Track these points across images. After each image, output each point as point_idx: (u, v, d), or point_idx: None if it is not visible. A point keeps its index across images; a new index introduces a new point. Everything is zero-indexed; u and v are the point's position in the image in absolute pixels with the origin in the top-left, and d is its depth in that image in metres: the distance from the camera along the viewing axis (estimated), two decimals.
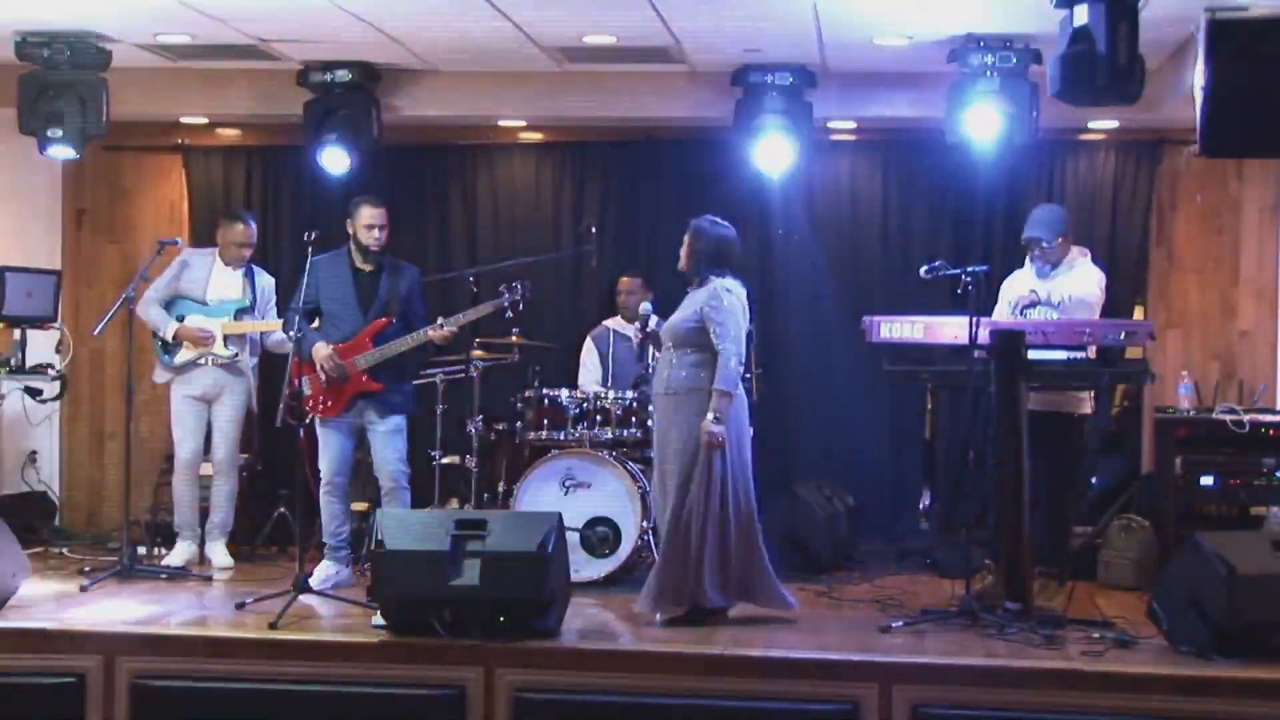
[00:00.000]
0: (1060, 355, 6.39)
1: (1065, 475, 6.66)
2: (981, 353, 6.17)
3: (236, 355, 7.55)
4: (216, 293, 7.61)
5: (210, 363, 7.51)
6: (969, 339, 6.11)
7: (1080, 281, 6.78)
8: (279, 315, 7.61)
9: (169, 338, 7.49)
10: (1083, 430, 6.88)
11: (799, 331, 8.63)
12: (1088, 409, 6.84)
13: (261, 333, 7.69)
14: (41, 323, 8.17)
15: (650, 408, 6.62)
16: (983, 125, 7.25)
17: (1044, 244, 6.82)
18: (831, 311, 8.51)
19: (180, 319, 7.53)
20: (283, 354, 7.28)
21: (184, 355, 7.51)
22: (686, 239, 6.33)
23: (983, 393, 6.42)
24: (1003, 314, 6.92)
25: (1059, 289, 6.82)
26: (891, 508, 8.55)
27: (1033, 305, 6.77)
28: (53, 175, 8.86)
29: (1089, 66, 5.98)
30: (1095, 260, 7.04)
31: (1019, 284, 6.98)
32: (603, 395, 7.41)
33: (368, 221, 6.96)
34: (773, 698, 5.34)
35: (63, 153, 7.76)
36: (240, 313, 7.60)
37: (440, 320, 6.95)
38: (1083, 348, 6.33)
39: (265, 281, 7.79)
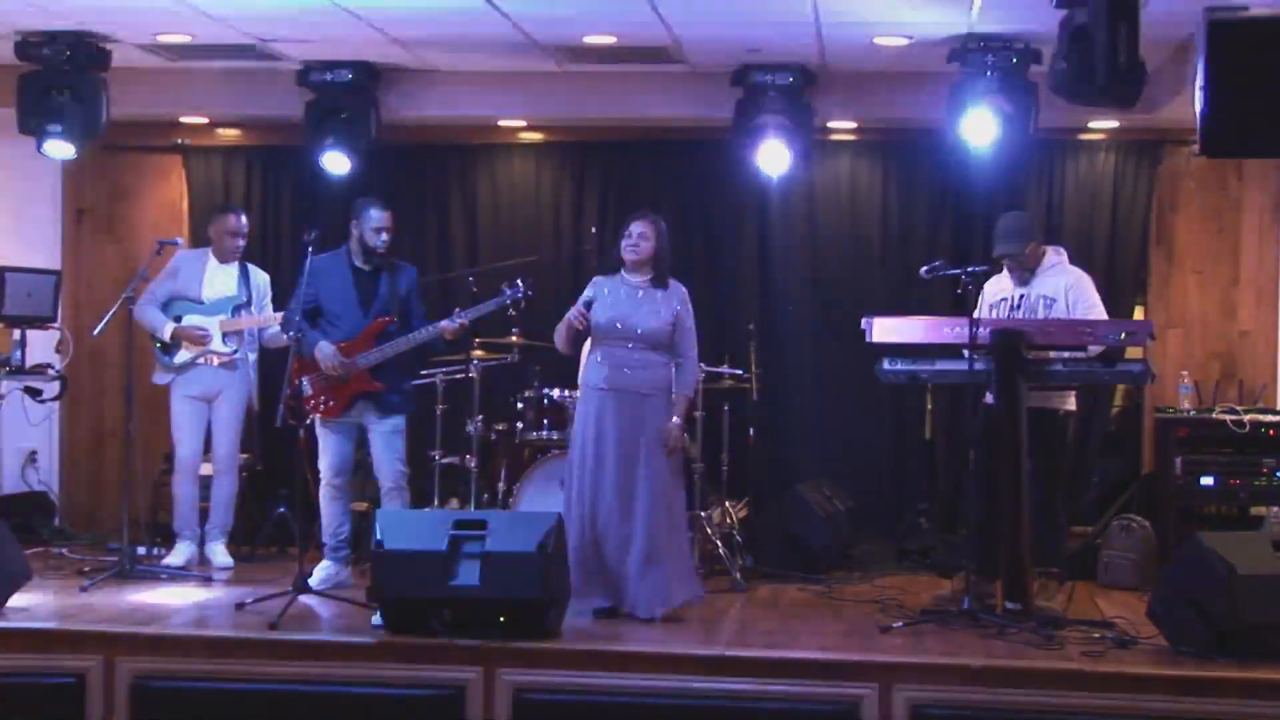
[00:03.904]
0: (1060, 355, 6.39)
1: (1051, 471, 6.62)
2: (981, 353, 6.17)
3: (235, 351, 7.55)
4: (212, 291, 7.62)
5: (209, 361, 7.52)
6: (969, 339, 6.11)
7: (1088, 307, 6.71)
8: (275, 312, 7.63)
9: (166, 339, 7.50)
10: (1067, 427, 6.87)
11: (799, 332, 8.62)
12: (1071, 405, 6.82)
13: (259, 329, 7.70)
14: (41, 323, 8.16)
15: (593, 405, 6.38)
16: (982, 126, 7.25)
17: (1020, 255, 6.77)
18: (831, 312, 8.51)
19: (178, 319, 7.53)
20: (280, 350, 7.29)
21: (183, 355, 7.52)
22: (654, 238, 6.36)
23: (982, 393, 6.42)
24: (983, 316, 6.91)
25: (1037, 291, 6.78)
26: (891, 508, 8.54)
27: (1014, 310, 6.74)
28: (53, 175, 8.85)
29: (1089, 67, 5.99)
30: (1073, 260, 7.00)
31: (998, 289, 6.94)
32: None
33: (376, 224, 6.96)
34: (773, 698, 5.34)
35: (62, 152, 7.77)
36: (237, 309, 7.61)
37: (456, 311, 6.94)
38: (1083, 348, 6.33)
39: (260, 278, 7.80)
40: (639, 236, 6.35)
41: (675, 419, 6.25)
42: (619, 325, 6.27)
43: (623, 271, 6.39)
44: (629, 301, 6.31)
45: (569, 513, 6.22)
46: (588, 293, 6.41)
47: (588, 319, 6.27)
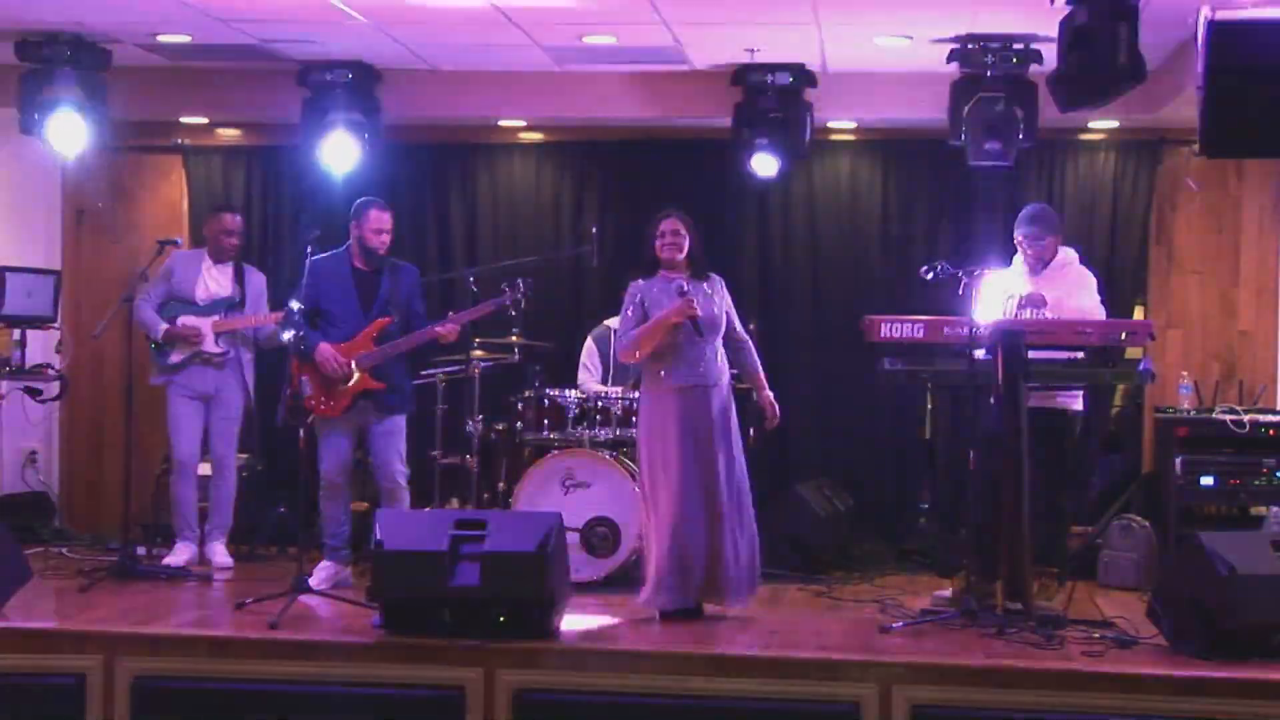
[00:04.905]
0: (1060, 355, 6.39)
1: (1057, 471, 6.62)
2: (981, 352, 6.17)
3: (228, 352, 7.55)
4: (207, 291, 7.62)
5: (204, 361, 7.51)
6: (969, 339, 6.11)
7: (1082, 294, 6.72)
8: (272, 312, 7.64)
9: (159, 339, 7.50)
10: (1074, 427, 6.87)
11: (799, 332, 8.63)
12: (1079, 405, 6.82)
13: (254, 329, 7.70)
14: (41, 323, 8.17)
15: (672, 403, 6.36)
16: (977, 125, 7.26)
17: (1040, 241, 6.78)
18: (831, 312, 8.52)
19: (173, 320, 7.53)
20: (279, 350, 7.29)
21: (178, 355, 7.51)
22: (688, 233, 6.35)
23: (983, 392, 6.41)
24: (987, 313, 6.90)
25: (1047, 290, 6.78)
26: (891, 508, 8.55)
27: (1023, 308, 6.74)
28: (53, 175, 8.86)
29: (1089, 67, 5.99)
30: (1083, 259, 7.01)
31: (1007, 284, 6.93)
32: (603, 395, 7.41)
33: (375, 226, 6.97)
34: (773, 698, 5.34)
35: (68, 144, 7.77)
36: (231, 309, 7.61)
37: (449, 314, 6.96)
38: (1083, 348, 6.33)
39: (256, 279, 7.80)
40: (674, 234, 6.33)
41: (767, 391, 6.52)
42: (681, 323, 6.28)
43: (661, 272, 6.37)
44: (684, 297, 6.27)
45: (663, 518, 6.18)
46: (632, 298, 6.36)
47: (694, 306, 6.21)
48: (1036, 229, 6.82)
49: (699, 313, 6.18)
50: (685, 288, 6.22)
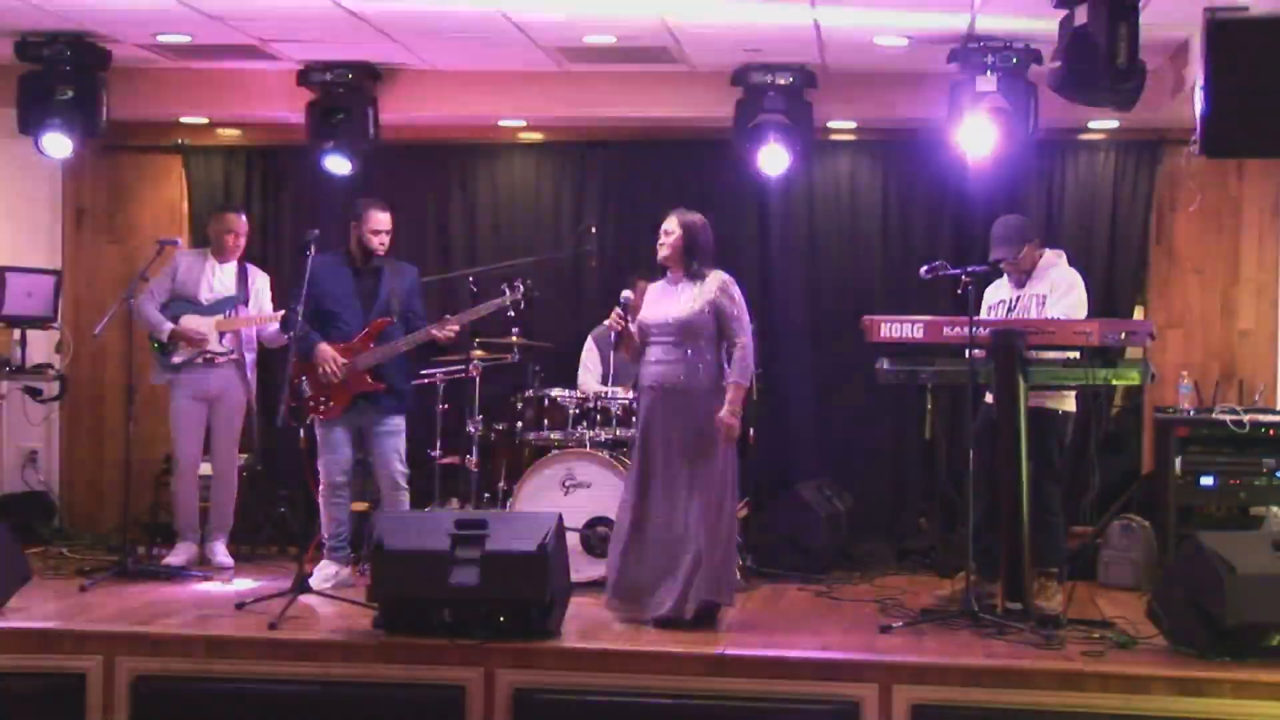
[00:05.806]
0: (1059, 355, 6.38)
1: (1043, 469, 6.58)
2: (981, 353, 6.17)
3: (231, 352, 7.55)
4: (211, 291, 7.62)
5: (207, 361, 7.51)
6: (968, 339, 6.11)
7: (1064, 300, 6.68)
8: (275, 312, 7.64)
9: (165, 339, 7.50)
10: (1065, 427, 6.85)
11: (799, 331, 8.62)
12: (1070, 406, 6.80)
13: (257, 328, 7.69)
14: (41, 323, 8.17)
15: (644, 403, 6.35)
16: (980, 134, 7.25)
17: (1010, 261, 6.74)
18: (831, 312, 8.52)
19: (176, 319, 7.53)
20: (280, 350, 7.29)
21: (181, 355, 7.51)
22: (678, 231, 6.28)
23: (982, 392, 6.42)
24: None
25: (1030, 291, 6.76)
26: (891, 508, 8.54)
27: (1010, 312, 6.73)
28: (53, 175, 8.85)
29: (1089, 67, 5.99)
30: (1072, 261, 6.97)
31: (998, 293, 6.93)
32: (603, 395, 7.41)
33: (375, 226, 6.96)
34: (773, 698, 5.35)
35: (60, 148, 7.78)
36: (234, 309, 7.61)
37: (446, 317, 6.97)
38: (1081, 348, 6.32)
39: (259, 279, 7.80)
40: (664, 233, 6.31)
41: (725, 409, 6.07)
42: (654, 321, 6.25)
43: (667, 272, 6.36)
44: (665, 297, 6.29)
45: (621, 514, 6.27)
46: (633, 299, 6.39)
47: (625, 318, 6.22)
48: (1004, 253, 6.69)
49: (618, 326, 6.21)
50: (626, 298, 6.25)
